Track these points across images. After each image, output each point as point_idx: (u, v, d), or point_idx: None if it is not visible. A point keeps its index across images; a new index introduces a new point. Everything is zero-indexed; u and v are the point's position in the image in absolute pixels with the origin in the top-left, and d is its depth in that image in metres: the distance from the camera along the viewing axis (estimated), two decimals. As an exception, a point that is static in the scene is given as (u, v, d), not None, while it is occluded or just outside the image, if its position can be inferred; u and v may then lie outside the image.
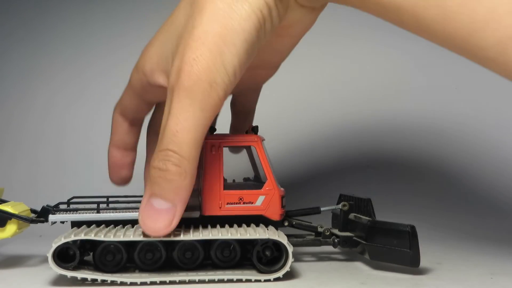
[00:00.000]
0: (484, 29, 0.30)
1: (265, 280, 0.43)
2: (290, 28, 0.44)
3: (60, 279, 0.44)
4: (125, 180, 0.55)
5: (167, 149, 0.39)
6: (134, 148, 0.54)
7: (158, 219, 0.40)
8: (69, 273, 0.42)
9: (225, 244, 0.44)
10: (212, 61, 0.38)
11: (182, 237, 0.43)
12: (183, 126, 0.38)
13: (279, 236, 0.43)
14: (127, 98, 0.51)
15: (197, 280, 0.43)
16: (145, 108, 0.51)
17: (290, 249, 0.43)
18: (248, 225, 0.46)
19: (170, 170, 0.39)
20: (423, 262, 0.45)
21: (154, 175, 0.40)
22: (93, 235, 0.42)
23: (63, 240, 0.42)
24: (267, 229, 0.45)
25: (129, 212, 0.47)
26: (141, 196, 0.51)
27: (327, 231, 0.51)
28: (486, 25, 0.30)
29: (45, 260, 0.46)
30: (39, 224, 0.47)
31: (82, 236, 0.42)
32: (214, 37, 0.38)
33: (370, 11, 0.37)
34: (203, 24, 0.38)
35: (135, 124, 0.53)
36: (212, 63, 0.38)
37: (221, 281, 0.43)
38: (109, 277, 0.42)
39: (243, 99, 0.56)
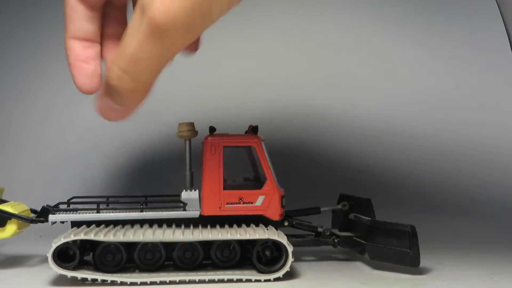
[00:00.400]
0: None
1: (265, 280, 0.43)
2: None
3: (60, 279, 0.44)
4: (94, 81, 0.43)
5: (125, 71, 0.37)
6: (97, 39, 0.45)
7: (112, 113, 0.39)
8: (69, 273, 0.42)
9: (225, 244, 0.44)
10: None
11: (182, 237, 0.43)
12: (147, 57, 0.36)
13: (278, 236, 0.43)
14: None
15: (197, 280, 0.43)
16: None
17: (290, 248, 0.43)
18: (248, 225, 0.46)
19: (124, 94, 0.37)
20: (423, 262, 0.45)
21: (110, 87, 0.38)
22: (92, 235, 0.42)
23: (63, 240, 0.42)
24: (267, 229, 0.45)
25: (129, 212, 0.47)
26: (141, 197, 0.51)
27: (327, 231, 0.51)
28: None
29: (45, 260, 0.46)
30: (39, 224, 0.47)
31: (82, 236, 0.42)
32: None
33: None
34: None
35: (95, 8, 0.44)
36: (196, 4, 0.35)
37: (221, 281, 0.43)
38: (109, 277, 0.42)
39: None
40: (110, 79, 0.37)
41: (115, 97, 0.38)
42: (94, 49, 0.44)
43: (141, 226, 0.46)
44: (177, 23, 0.35)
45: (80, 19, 0.44)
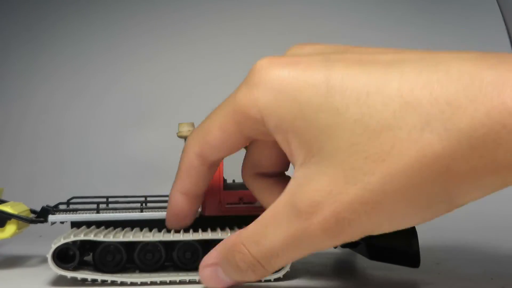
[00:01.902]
0: None
1: (266, 280, 0.43)
2: None
3: (59, 280, 0.44)
4: (184, 227, 0.46)
5: (258, 262, 0.35)
6: (202, 192, 0.44)
7: (217, 282, 0.39)
8: (69, 274, 0.42)
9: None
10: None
11: (182, 237, 0.43)
12: (286, 253, 0.34)
13: None
14: (214, 130, 0.38)
15: (197, 280, 0.43)
16: (238, 145, 0.40)
17: None
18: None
19: (249, 277, 0.36)
20: (423, 262, 0.45)
21: (231, 264, 0.37)
22: (92, 235, 0.42)
23: (62, 241, 0.41)
24: None
25: (129, 212, 0.47)
26: (141, 196, 0.51)
27: (327, 231, 0.50)
28: None
29: (44, 260, 0.46)
30: (39, 224, 0.47)
31: (81, 237, 0.42)
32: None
33: None
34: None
35: (214, 167, 0.42)
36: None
37: (221, 281, 0.43)
38: (109, 277, 0.42)
39: None
40: (238, 261, 0.36)
41: (233, 274, 0.37)
42: (197, 205, 0.44)
43: (141, 227, 0.46)
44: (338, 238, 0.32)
45: (197, 178, 0.42)
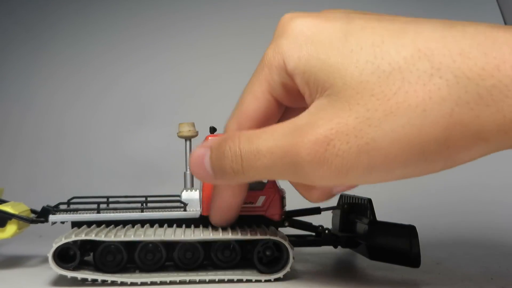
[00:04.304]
0: None
1: (266, 280, 0.43)
2: None
3: (60, 280, 0.44)
4: (229, 223, 0.45)
5: (240, 152, 0.35)
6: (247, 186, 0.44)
7: (200, 172, 0.38)
8: (70, 273, 0.42)
9: (225, 244, 0.44)
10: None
11: (182, 237, 0.43)
12: (271, 158, 0.34)
13: (280, 236, 0.43)
14: (248, 97, 0.39)
15: (197, 280, 0.43)
16: (270, 111, 0.39)
17: (291, 249, 0.43)
18: (249, 226, 0.46)
19: (226, 166, 0.36)
20: (423, 262, 0.45)
21: (219, 148, 0.36)
22: (93, 235, 0.42)
23: (63, 240, 0.42)
24: (268, 230, 0.45)
25: (130, 212, 0.47)
26: (141, 197, 0.51)
27: (327, 231, 0.51)
28: None
29: (45, 260, 0.46)
30: (40, 224, 0.47)
31: (82, 237, 0.42)
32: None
33: None
34: None
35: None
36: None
37: (221, 281, 0.43)
38: (109, 277, 0.42)
39: None
40: (226, 149, 0.36)
41: (216, 162, 0.37)
42: (241, 195, 0.43)
43: (142, 227, 0.46)
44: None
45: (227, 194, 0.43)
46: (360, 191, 0.54)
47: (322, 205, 0.52)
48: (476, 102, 0.28)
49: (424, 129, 0.29)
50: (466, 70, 0.28)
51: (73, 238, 0.42)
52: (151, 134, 0.85)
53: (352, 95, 0.31)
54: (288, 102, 0.38)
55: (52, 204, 0.48)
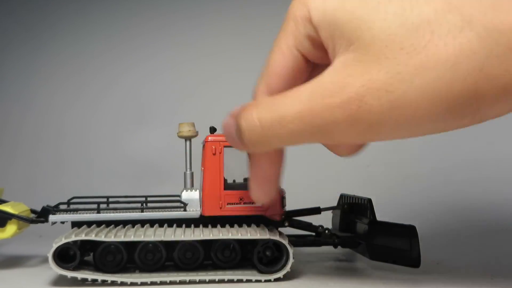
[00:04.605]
0: None
1: (266, 280, 0.43)
2: None
3: (60, 279, 0.44)
4: (270, 197, 0.41)
5: (261, 125, 0.33)
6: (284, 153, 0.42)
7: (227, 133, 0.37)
8: (70, 273, 0.42)
9: (225, 244, 0.44)
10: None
11: (182, 237, 0.43)
12: (293, 130, 0.32)
13: (280, 236, 0.43)
14: (275, 55, 0.37)
15: (197, 280, 0.43)
16: (296, 67, 0.37)
17: (291, 249, 0.43)
18: (249, 226, 0.46)
19: (244, 141, 0.35)
20: (423, 262, 0.45)
21: (237, 120, 0.35)
22: (93, 235, 0.42)
23: (64, 240, 0.42)
24: (268, 229, 0.45)
25: (130, 212, 0.47)
26: (141, 197, 0.51)
27: (328, 231, 0.50)
28: None
29: (45, 260, 0.46)
30: (40, 224, 0.47)
31: (83, 237, 0.42)
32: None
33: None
34: None
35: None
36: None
37: (221, 281, 0.43)
38: (109, 277, 0.42)
39: None
40: (241, 118, 0.35)
41: (234, 134, 0.35)
42: (279, 164, 0.40)
43: (142, 226, 0.46)
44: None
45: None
46: (360, 191, 0.54)
47: (322, 205, 0.52)
48: (507, 56, 0.28)
49: (454, 84, 0.29)
50: (497, 23, 0.28)
51: (73, 238, 0.42)
52: (151, 134, 0.85)
53: (381, 48, 0.30)
54: (315, 58, 0.36)
55: (52, 204, 0.48)
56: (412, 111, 0.30)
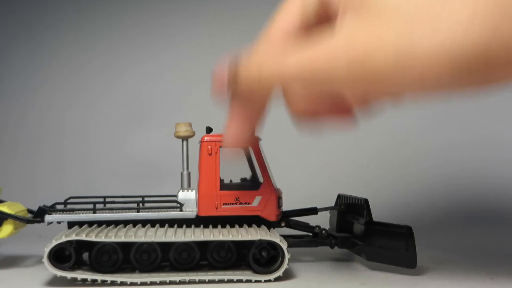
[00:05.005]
0: None
1: (266, 281, 0.43)
2: None
3: (57, 279, 0.44)
4: (246, 138, 0.41)
5: (259, 62, 0.34)
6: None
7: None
8: (69, 274, 0.42)
9: (220, 245, 0.44)
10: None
11: (174, 238, 0.43)
12: (311, 58, 0.32)
13: (271, 235, 0.43)
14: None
15: (197, 280, 0.43)
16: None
17: (284, 245, 0.43)
18: (248, 226, 0.46)
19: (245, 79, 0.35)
20: (423, 262, 0.45)
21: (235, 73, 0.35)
22: (85, 236, 0.42)
23: (54, 243, 0.41)
24: (259, 230, 0.45)
25: (126, 212, 0.47)
26: (138, 197, 0.51)
27: (324, 232, 0.50)
28: None
29: (39, 260, 0.46)
30: (39, 225, 0.47)
31: (73, 237, 0.42)
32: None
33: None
34: None
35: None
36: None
37: (221, 281, 0.43)
38: (109, 277, 0.42)
39: None
40: (240, 66, 0.35)
41: (226, 81, 0.35)
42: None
43: (143, 227, 0.46)
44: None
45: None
46: (357, 192, 0.54)
47: (319, 205, 0.52)
48: None
49: (466, 46, 0.28)
50: None
51: (64, 239, 0.42)
52: (150, 134, 0.84)
53: (391, 8, 0.30)
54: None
55: (49, 204, 0.48)
56: (420, 71, 0.29)
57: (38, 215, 0.47)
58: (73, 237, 0.42)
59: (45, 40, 0.88)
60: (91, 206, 0.47)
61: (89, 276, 0.42)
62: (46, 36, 0.88)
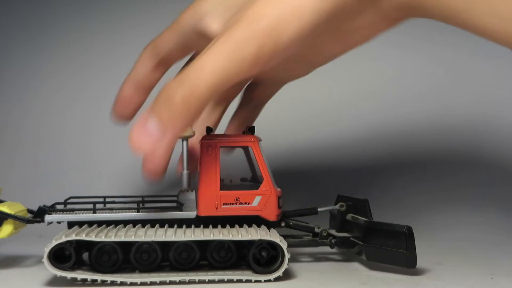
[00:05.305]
0: None
1: (266, 281, 0.43)
2: (354, 33, 0.43)
3: (57, 280, 0.44)
4: (125, 120, 0.53)
5: (188, 77, 0.37)
6: (148, 91, 0.51)
7: (144, 138, 0.39)
8: (69, 274, 0.42)
9: (220, 245, 0.44)
10: (276, 23, 0.37)
11: (174, 238, 0.43)
12: (214, 67, 0.37)
13: (270, 235, 0.43)
14: (165, 37, 0.48)
15: (197, 280, 0.43)
16: (180, 51, 0.49)
17: (284, 245, 0.43)
18: (246, 225, 0.46)
19: (176, 99, 0.37)
20: (423, 262, 0.45)
21: (163, 94, 0.38)
22: (84, 235, 0.42)
23: (54, 243, 0.41)
24: (259, 229, 0.45)
25: (126, 212, 0.47)
26: (138, 197, 0.51)
27: (324, 232, 0.50)
28: None
29: (39, 260, 0.46)
30: (40, 225, 0.47)
31: (73, 237, 0.42)
32: (285, 3, 0.37)
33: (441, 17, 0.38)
34: None
35: (161, 67, 0.50)
36: (274, 25, 0.37)
37: (221, 281, 0.43)
38: (109, 278, 0.42)
39: (261, 91, 0.55)
40: (164, 87, 0.38)
41: (163, 107, 0.38)
42: (140, 98, 0.52)
43: (143, 227, 0.46)
44: (255, 36, 0.37)
45: (144, 70, 0.51)
46: (358, 192, 0.54)
47: (319, 205, 0.52)
48: None
49: None
50: None
51: (64, 239, 0.42)
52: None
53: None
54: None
55: (49, 204, 0.48)
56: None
57: (38, 215, 0.47)
58: (73, 237, 0.42)
59: (45, 40, 0.88)
60: (91, 206, 0.47)
61: (89, 276, 0.42)
62: (46, 36, 0.88)
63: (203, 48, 0.39)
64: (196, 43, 0.46)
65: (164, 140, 0.39)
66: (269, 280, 0.43)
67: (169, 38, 0.48)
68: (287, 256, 0.43)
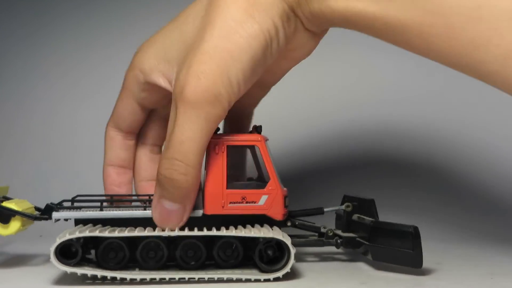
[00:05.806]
0: (487, 45, 0.33)
1: (265, 280, 0.43)
2: (293, 51, 0.46)
3: (61, 278, 0.44)
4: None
5: (173, 157, 0.41)
6: (130, 166, 0.53)
7: (170, 218, 0.43)
8: (69, 269, 0.42)
9: (228, 243, 0.44)
10: (219, 74, 0.40)
11: (186, 232, 0.43)
12: (188, 136, 0.40)
13: (283, 236, 0.43)
14: (120, 105, 0.50)
15: (197, 279, 0.43)
16: (140, 114, 0.51)
17: (293, 250, 0.43)
18: (252, 225, 0.46)
19: (176, 179, 0.41)
20: (424, 262, 0.45)
21: (162, 181, 0.42)
22: (87, 231, 0.42)
23: (67, 237, 0.42)
24: (272, 229, 0.45)
25: (133, 210, 0.47)
26: (145, 195, 0.52)
27: (330, 232, 0.50)
28: (489, 41, 0.33)
29: (46, 259, 0.46)
30: (40, 224, 0.48)
31: (77, 234, 0.42)
32: (222, 52, 0.40)
33: (377, 34, 0.40)
34: (213, 38, 0.40)
35: (130, 137, 0.52)
36: (218, 77, 0.40)
37: (221, 280, 0.43)
38: (109, 274, 0.42)
39: (232, 119, 0.55)
40: (160, 172, 0.42)
41: (169, 190, 0.42)
42: (127, 175, 0.53)
43: (144, 224, 0.46)
44: (206, 95, 0.40)
45: (117, 148, 0.52)
46: (364, 192, 0.54)
47: (325, 205, 0.52)
48: None
49: None
50: None
51: (67, 236, 0.42)
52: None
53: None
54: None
55: (56, 202, 0.48)
56: None
57: (45, 212, 0.47)
58: (87, 233, 0.42)
59: (49, 42, 0.88)
60: (98, 204, 0.47)
61: (98, 272, 0.42)
62: (51, 38, 0.88)
63: (159, 101, 0.47)
64: (150, 100, 0.49)
65: (187, 211, 0.44)
66: (269, 280, 0.43)
67: (123, 108, 0.50)
68: (292, 251, 0.43)
